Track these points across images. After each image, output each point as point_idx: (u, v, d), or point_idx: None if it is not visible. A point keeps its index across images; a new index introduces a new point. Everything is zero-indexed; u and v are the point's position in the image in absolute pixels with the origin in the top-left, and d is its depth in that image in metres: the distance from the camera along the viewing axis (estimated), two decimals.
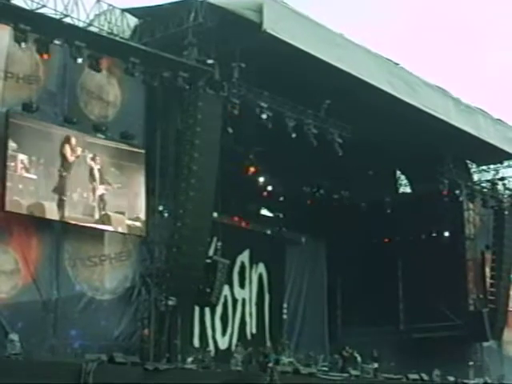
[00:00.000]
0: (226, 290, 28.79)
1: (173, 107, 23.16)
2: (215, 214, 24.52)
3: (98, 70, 21.24)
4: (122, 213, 21.99)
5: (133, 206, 22.26)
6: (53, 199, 20.61)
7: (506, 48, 54.35)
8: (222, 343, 29.21)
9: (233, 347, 28.21)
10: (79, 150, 21.24)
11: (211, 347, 27.88)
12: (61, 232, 21.04)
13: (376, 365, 28.04)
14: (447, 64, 52.44)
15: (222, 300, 28.58)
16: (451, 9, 53.65)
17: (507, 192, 32.65)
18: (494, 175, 32.60)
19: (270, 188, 31.30)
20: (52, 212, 20.60)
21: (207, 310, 28.32)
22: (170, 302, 22.18)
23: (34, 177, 20.39)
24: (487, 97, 41.86)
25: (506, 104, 46.93)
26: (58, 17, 20.62)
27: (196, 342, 27.80)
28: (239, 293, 30.57)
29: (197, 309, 27.38)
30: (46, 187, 20.57)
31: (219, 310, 29.09)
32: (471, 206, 32.26)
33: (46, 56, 20.26)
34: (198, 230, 22.55)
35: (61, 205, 20.75)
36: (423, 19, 56.13)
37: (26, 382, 17.58)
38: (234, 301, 30.28)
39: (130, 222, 22.09)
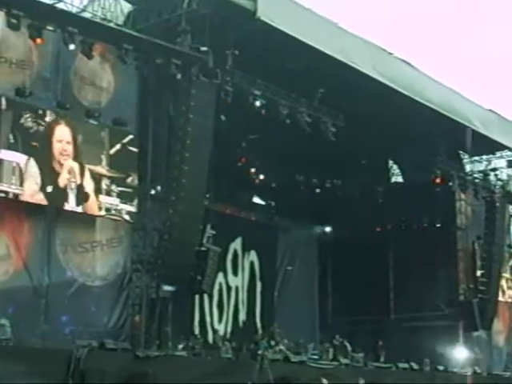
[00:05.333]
0: (220, 277, 29.06)
1: (166, 94, 23.11)
2: (207, 202, 24.52)
3: (91, 56, 21.18)
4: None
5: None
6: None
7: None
8: (219, 330, 29.33)
9: (228, 335, 28.34)
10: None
11: (210, 334, 28.04)
12: (53, 218, 21.00)
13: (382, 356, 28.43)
14: (439, 50, 52.53)
15: (217, 287, 28.83)
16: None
17: (499, 183, 32.69)
18: (487, 166, 32.67)
19: (262, 176, 31.31)
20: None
21: (206, 298, 28.43)
22: (169, 288, 22.24)
23: None
24: (480, 84, 42.01)
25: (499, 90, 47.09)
26: (51, 2, 20.57)
27: (196, 330, 27.96)
28: (233, 280, 30.69)
29: (197, 296, 27.46)
30: None
31: (216, 297, 29.24)
32: (463, 196, 32.29)
33: (39, 40, 20.20)
34: (190, 217, 22.51)
35: None
36: (419, 7, 56.09)
37: (16, 368, 17.58)
38: (228, 288, 30.43)
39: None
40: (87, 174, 21.30)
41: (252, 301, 31.35)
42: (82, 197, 21.20)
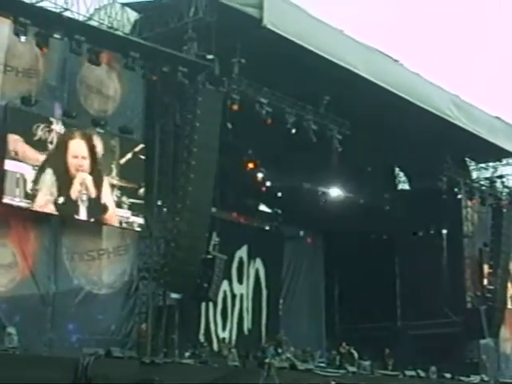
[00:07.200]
0: (225, 285, 28.97)
1: (172, 102, 23.13)
2: (214, 209, 24.52)
3: (98, 64, 21.23)
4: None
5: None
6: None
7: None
8: (224, 338, 29.29)
9: (233, 343, 28.32)
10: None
11: (215, 342, 28.00)
12: (59, 226, 20.97)
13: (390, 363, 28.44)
14: (446, 57, 52.55)
15: (221, 295, 28.76)
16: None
17: (505, 190, 32.69)
18: (493, 173, 32.67)
19: (268, 183, 31.30)
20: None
21: (210, 305, 28.40)
22: (175, 296, 22.13)
23: None
24: (486, 91, 42.04)
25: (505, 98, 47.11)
26: (58, 10, 20.60)
27: (201, 337, 27.94)
28: (238, 288, 30.66)
29: (203, 304, 27.43)
30: None
31: (219, 305, 29.21)
32: (469, 203, 32.28)
33: (44, 49, 20.21)
34: (196, 225, 22.52)
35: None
36: (426, 15, 56.18)
37: (23, 376, 17.58)
38: (233, 296, 30.39)
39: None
40: (105, 186, 21.20)
41: (257, 309, 31.32)
42: (99, 209, 21.12)
